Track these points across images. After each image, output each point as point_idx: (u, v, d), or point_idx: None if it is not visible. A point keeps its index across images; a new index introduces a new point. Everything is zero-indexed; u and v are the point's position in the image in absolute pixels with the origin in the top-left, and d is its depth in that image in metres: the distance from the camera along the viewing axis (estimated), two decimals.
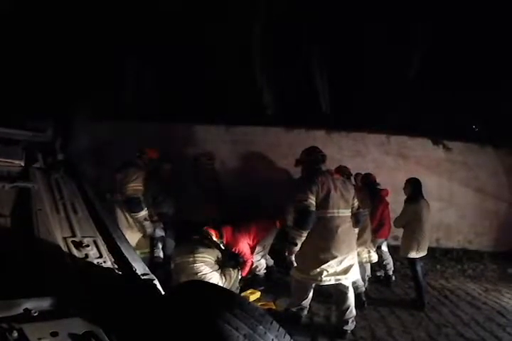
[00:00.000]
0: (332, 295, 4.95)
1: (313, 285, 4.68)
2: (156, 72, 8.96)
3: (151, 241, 5.65)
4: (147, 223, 5.32)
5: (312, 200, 4.40)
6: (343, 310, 4.60)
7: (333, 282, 4.49)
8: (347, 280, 4.57)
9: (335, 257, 4.43)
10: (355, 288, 5.32)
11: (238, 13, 8.64)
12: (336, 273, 4.46)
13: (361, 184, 6.81)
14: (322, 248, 4.45)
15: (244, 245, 5.68)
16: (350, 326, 4.59)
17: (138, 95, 9.00)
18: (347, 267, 4.52)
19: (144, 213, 5.26)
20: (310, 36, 8.95)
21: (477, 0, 8.49)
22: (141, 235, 5.38)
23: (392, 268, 6.90)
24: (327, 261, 4.42)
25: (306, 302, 4.81)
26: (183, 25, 8.55)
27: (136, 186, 5.20)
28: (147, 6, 8.35)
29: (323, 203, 4.46)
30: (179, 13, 8.35)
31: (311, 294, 4.78)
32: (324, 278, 4.44)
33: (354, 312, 4.63)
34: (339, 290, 4.63)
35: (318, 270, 4.43)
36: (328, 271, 4.43)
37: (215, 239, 5.40)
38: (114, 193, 5.32)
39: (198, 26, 8.54)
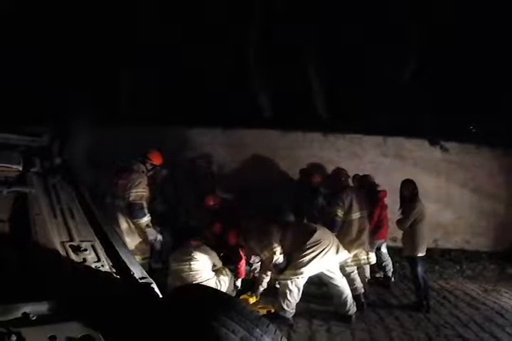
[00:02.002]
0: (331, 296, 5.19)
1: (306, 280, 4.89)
2: (152, 76, 8.98)
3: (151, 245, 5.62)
4: (149, 229, 5.21)
5: None
6: (341, 299, 5.04)
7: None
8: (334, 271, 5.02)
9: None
10: (354, 289, 5.44)
11: (234, 15, 8.67)
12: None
13: (359, 185, 6.81)
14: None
15: (237, 246, 5.65)
16: (352, 310, 5.07)
17: (134, 98, 9.02)
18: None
19: (146, 219, 5.14)
20: (306, 38, 8.98)
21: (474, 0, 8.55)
22: (143, 240, 5.30)
23: (392, 270, 6.90)
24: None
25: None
26: (180, 28, 8.58)
27: (139, 192, 5.07)
28: (145, 8, 8.40)
29: None
30: (176, 14, 8.39)
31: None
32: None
33: (350, 297, 5.09)
34: (332, 286, 5.08)
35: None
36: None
37: (211, 242, 5.38)
38: (115, 198, 5.16)
39: (194, 28, 8.57)
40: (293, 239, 4.96)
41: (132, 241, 5.05)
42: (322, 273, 4.98)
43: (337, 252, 4.93)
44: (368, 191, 6.55)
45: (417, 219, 5.71)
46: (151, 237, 5.25)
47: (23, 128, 3.87)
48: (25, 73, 8.00)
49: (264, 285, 5.51)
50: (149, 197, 5.42)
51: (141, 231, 5.20)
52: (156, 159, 5.69)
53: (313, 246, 4.77)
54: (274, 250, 4.81)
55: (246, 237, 5.36)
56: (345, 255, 5.16)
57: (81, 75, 8.34)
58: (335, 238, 5.15)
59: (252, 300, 5.43)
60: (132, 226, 5.16)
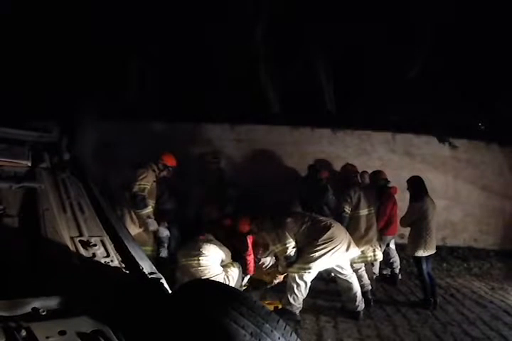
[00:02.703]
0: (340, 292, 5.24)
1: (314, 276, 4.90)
2: (159, 71, 8.97)
3: (157, 240, 5.71)
4: (150, 220, 5.43)
5: None
6: (351, 295, 5.06)
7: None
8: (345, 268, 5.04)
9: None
10: (362, 286, 5.43)
11: (240, 11, 8.63)
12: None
13: (370, 181, 6.81)
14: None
15: (244, 241, 5.63)
16: (361, 306, 5.08)
17: (142, 94, 9.01)
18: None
19: (147, 211, 5.39)
20: (314, 34, 8.93)
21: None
22: (144, 231, 5.48)
23: (399, 267, 6.89)
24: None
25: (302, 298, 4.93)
26: (186, 24, 8.55)
27: (142, 184, 5.35)
28: (149, 5, 8.37)
29: None
30: (180, 11, 8.36)
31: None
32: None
33: (360, 293, 5.10)
34: (342, 281, 5.08)
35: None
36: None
37: (220, 237, 5.37)
38: (122, 192, 5.44)
39: (201, 25, 8.54)
40: (307, 234, 4.94)
41: (133, 232, 5.15)
42: (332, 268, 5.00)
43: (347, 249, 4.92)
44: (380, 187, 6.54)
45: (420, 217, 5.69)
46: (151, 227, 5.47)
47: (32, 123, 3.89)
48: (34, 68, 8.02)
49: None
50: (155, 193, 5.70)
51: (143, 222, 5.44)
52: (169, 160, 5.93)
53: (325, 243, 4.77)
54: (288, 245, 4.82)
55: (260, 226, 5.36)
56: (355, 252, 5.15)
57: (90, 71, 8.34)
58: (348, 235, 5.13)
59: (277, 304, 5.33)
60: (134, 217, 5.43)
